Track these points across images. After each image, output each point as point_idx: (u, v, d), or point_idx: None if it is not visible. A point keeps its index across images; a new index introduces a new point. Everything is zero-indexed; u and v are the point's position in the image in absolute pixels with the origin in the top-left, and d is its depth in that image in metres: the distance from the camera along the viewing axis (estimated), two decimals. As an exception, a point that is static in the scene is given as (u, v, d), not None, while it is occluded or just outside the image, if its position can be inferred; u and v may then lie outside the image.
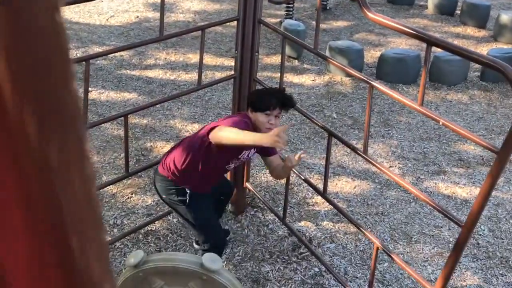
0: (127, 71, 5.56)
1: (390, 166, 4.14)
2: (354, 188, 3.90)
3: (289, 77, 5.50)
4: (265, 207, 3.55)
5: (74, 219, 0.34)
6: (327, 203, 3.13)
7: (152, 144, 4.31)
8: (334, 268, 3.10)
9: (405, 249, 3.34)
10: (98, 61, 5.62)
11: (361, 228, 2.57)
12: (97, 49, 5.90)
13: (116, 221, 3.42)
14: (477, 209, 1.75)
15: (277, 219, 3.41)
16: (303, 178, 2.97)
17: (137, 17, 7.03)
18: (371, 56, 6.15)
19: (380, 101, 5.11)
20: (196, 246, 3.18)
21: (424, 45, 1.86)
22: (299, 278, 3.07)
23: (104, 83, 5.27)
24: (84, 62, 2.43)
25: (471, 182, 4.01)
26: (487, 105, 5.22)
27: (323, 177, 2.84)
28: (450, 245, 3.33)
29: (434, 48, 1.88)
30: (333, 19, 7.36)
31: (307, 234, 3.42)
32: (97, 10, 7.17)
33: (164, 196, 2.65)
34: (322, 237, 3.40)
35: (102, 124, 4.03)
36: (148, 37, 6.26)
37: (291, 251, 3.26)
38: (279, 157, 2.79)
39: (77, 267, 0.35)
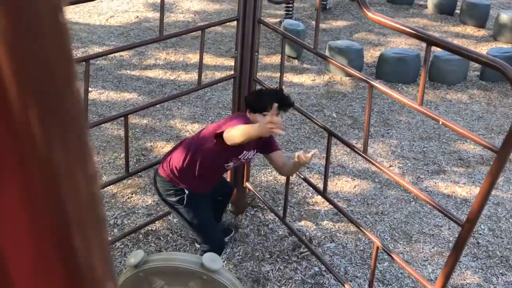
0: (127, 71, 5.56)
1: (390, 166, 4.14)
2: (354, 187, 3.90)
3: (289, 77, 5.50)
4: (265, 207, 3.56)
5: (77, 219, 0.34)
6: (327, 203, 3.13)
7: (152, 144, 4.31)
8: (334, 268, 3.11)
9: (405, 248, 3.34)
10: (98, 61, 5.62)
11: (361, 228, 2.58)
12: (97, 49, 5.91)
13: (117, 221, 3.42)
14: (477, 208, 1.75)
15: (277, 218, 3.41)
16: (303, 177, 2.98)
17: (137, 17, 7.03)
18: (371, 55, 6.16)
19: (380, 101, 5.11)
20: (197, 245, 3.18)
21: (424, 44, 1.86)
22: (299, 277, 3.07)
23: (104, 83, 5.27)
24: (84, 62, 2.44)
25: (470, 181, 4.02)
26: (486, 104, 5.22)
27: (323, 177, 2.84)
28: (450, 244, 3.33)
29: (433, 48, 1.88)
30: (333, 18, 7.36)
31: (307, 233, 3.42)
32: (97, 10, 7.17)
33: (163, 197, 2.67)
34: (322, 237, 3.40)
35: (102, 124, 4.04)
36: (148, 37, 6.26)
37: (291, 251, 3.27)
38: (282, 153, 2.79)
39: (81, 266, 0.35)
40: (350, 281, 3.04)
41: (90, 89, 4.27)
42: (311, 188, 3.56)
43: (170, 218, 3.46)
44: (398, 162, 4.21)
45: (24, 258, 0.32)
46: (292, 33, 5.10)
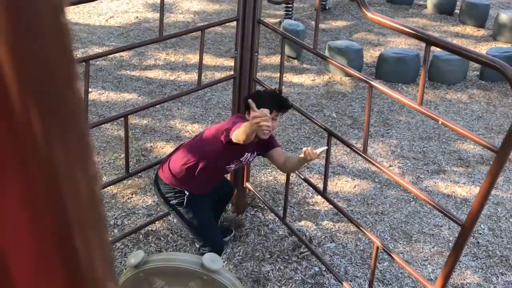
0: (127, 71, 5.56)
1: (390, 166, 4.14)
2: (354, 187, 3.90)
3: (289, 77, 5.51)
4: (265, 207, 3.56)
5: (78, 219, 0.34)
6: (327, 203, 3.13)
7: (152, 144, 4.31)
8: (335, 268, 3.11)
9: (405, 248, 3.34)
10: (98, 62, 5.62)
11: (361, 228, 2.58)
12: (96, 49, 5.91)
13: (117, 222, 3.42)
14: (477, 208, 1.75)
15: (277, 219, 3.41)
16: (303, 177, 2.98)
17: (137, 17, 7.03)
18: (371, 55, 6.16)
19: (380, 101, 5.11)
20: (197, 245, 3.18)
21: (423, 44, 1.86)
22: (300, 277, 3.07)
23: (104, 84, 5.27)
24: (84, 63, 2.44)
25: (470, 181, 4.02)
26: (486, 104, 5.22)
27: (323, 177, 2.84)
28: (450, 244, 3.33)
29: (433, 48, 1.88)
30: (332, 19, 7.36)
31: (307, 233, 3.42)
32: (97, 10, 7.17)
33: (163, 199, 2.68)
34: (322, 237, 3.40)
35: (102, 125, 4.03)
36: (147, 37, 6.26)
37: (291, 251, 3.27)
38: (281, 150, 2.78)
39: (81, 266, 0.35)
40: (350, 281, 3.05)
41: (90, 89, 4.27)
42: (311, 188, 3.56)
43: (170, 218, 3.46)
44: (398, 162, 4.21)
45: (25, 258, 0.32)
46: (292, 33, 5.11)
